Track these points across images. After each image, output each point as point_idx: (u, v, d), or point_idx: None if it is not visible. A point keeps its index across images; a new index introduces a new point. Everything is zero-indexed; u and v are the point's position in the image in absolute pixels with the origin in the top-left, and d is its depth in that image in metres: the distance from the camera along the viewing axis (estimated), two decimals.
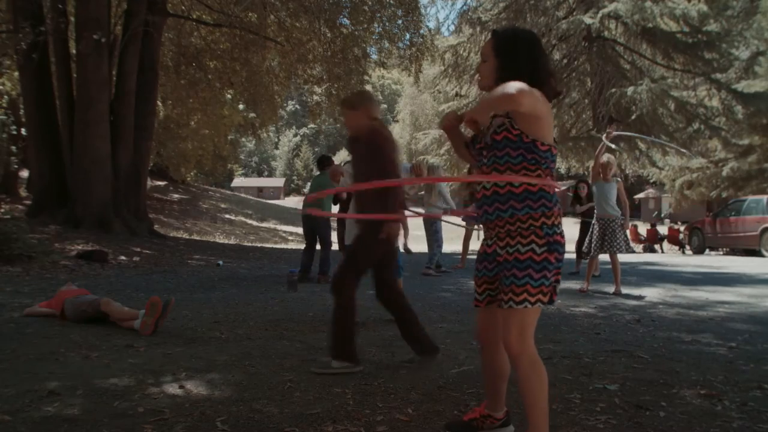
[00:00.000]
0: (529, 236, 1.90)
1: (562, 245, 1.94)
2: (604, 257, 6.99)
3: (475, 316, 2.20)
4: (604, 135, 6.79)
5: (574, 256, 8.74)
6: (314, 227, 7.29)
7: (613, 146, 6.54)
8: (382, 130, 3.27)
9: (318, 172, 7.69)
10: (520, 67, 1.94)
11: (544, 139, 1.92)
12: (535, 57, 1.98)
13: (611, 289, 6.50)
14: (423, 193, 8.14)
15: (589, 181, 6.79)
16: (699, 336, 4.11)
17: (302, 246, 7.75)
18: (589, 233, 6.66)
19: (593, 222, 6.67)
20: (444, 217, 8.53)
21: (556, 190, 1.99)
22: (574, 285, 7.15)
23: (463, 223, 8.76)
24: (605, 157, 6.70)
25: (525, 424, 1.93)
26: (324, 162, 7.54)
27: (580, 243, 8.61)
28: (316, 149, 77.14)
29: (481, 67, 2.03)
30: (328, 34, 14.15)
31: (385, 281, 3.33)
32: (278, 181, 79.79)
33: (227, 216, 25.25)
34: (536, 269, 1.87)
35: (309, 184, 7.88)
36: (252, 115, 21.70)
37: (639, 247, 18.20)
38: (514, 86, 1.78)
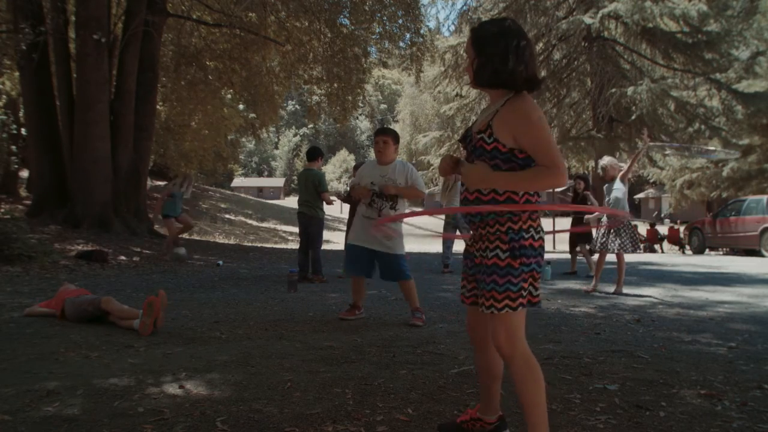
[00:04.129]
0: (494, 241, 1.90)
1: (532, 248, 1.88)
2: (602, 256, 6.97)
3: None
4: (643, 141, 6.74)
5: (567, 256, 8.74)
6: (307, 226, 7.28)
7: (650, 151, 6.51)
8: None
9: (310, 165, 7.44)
10: (494, 59, 1.88)
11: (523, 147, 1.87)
12: (508, 47, 1.88)
13: (611, 289, 6.49)
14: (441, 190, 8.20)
15: (624, 182, 6.62)
16: (699, 336, 4.11)
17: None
18: (599, 232, 6.62)
19: (602, 220, 6.63)
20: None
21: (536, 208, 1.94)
22: (574, 285, 7.16)
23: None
24: (605, 160, 6.69)
25: (524, 425, 1.93)
26: (314, 154, 7.47)
27: (573, 244, 8.60)
28: None
29: (468, 67, 2.00)
30: (328, 34, 14.16)
31: None
32: (278, 181, 79.80)
33: (227, 216, 25.25)
34: (500, 275, 1.87)
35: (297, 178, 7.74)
36: (252, 115, 21.70)
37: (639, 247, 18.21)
38: (557, 170, 1.78)
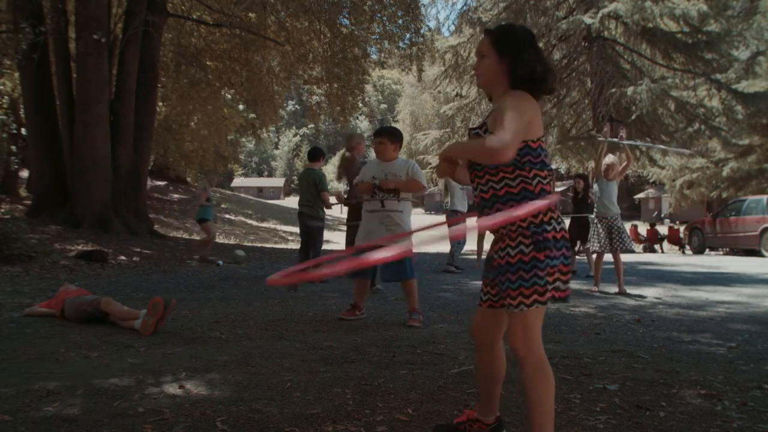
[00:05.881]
0: (516, 238, 1.87)
1: (555, 240, 1.84)
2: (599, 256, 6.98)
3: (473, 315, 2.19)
4: (602, 135, 6.83)
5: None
6: (309, 226, 7.27)
7: (618, 141, 6.56)
8: None
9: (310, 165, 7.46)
10: (529, 60, 1.90)
11: (534, 136, 1.87)
12: (538, 49, 1.94)
13: (612, 288, 6.49)
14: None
15: (589, 181, 6.75)
16: (699, 336, 4.11)
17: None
18: (593, 232, 6.62)
19: (595, 221, 6.65)
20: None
21: (553, 199, 1.90)
22: (574, 285, 7.15)
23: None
24: (609, 158, 6.69)
25: (527, 425, 1.92)
26: (315, 155, 7.45)
27: (572, 241, 8.59)
28: None
29: (479, 64, 1.99)
30: (328, 34, 14.16)
31: None
32: (278, 181, 79.86)
33: (227, 216, 25.24)
34: (526, 269, 1.83)
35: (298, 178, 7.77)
36: (252, 115, 21.71)
37: (639, 247, 18.19)
38: (499, 141, 1.73)
